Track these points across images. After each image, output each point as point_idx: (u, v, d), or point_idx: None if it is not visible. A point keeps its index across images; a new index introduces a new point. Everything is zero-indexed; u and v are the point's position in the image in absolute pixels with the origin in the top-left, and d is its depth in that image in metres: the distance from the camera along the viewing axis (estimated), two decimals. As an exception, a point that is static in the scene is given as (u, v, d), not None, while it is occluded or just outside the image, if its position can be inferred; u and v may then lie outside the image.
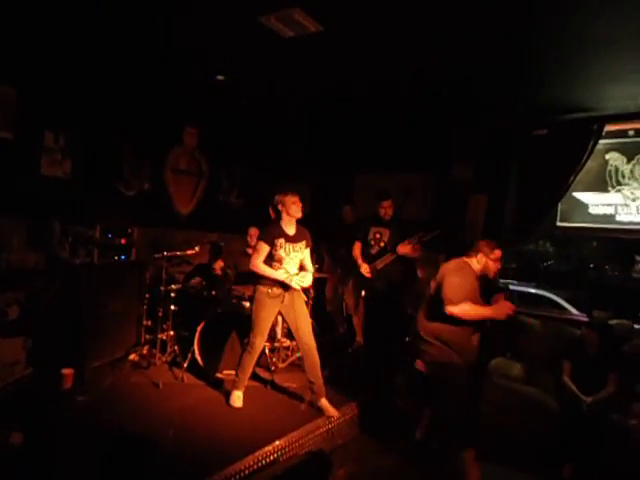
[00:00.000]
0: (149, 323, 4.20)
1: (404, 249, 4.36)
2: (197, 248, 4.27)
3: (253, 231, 4.53)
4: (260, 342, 3.46)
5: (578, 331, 4.00)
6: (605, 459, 3.19)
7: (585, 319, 4.42)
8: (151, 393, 3.59)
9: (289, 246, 3.40)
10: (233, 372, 3.63)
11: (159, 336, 4.07)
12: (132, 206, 4.89)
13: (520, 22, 2.87)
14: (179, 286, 4.23)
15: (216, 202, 5.93)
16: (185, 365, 3.87)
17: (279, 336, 4.38)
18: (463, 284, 2.83)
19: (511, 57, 3.39)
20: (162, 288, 4.05)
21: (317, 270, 5.07)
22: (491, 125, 4.70)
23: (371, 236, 4.60)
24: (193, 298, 4.34)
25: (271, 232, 3.41)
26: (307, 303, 4.68)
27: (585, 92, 3.90)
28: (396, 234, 4.47)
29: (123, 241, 4.24)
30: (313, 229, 3.63)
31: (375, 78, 3.96)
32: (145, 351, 4.13)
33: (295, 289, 3.44)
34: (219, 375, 3.86)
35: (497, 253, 2.98)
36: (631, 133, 4.56)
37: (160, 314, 4.04)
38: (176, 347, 4.04)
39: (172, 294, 4.08)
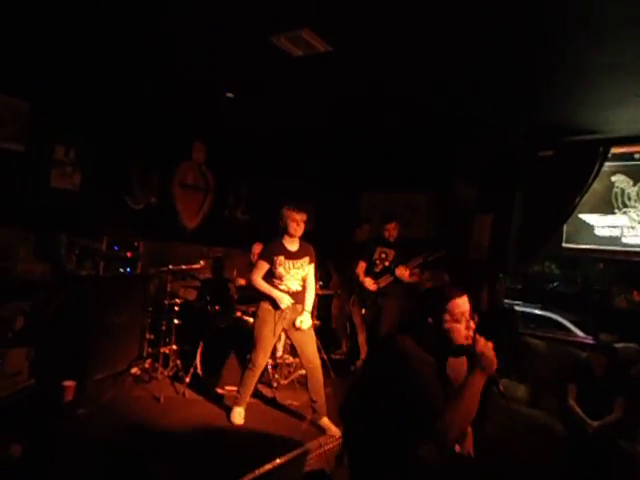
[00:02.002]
0: (152, 337, 4.19)
1: (401, 273, 4.39)
2: (202, 262, 4.29)
3: (256, 248, 4.54)
4: (262, 359, 3.44)
5: (584, 354, 3.96)
6: (611, 485, 3.12)
7: (591, 342, 4.38)
8: (152, 407, 3.58)
9: (289, 263, 3.40)
10: (235, 388, 3.61)
11: (162, 350, 4.06)
12: (139, 219, 4.93)
13: (525, 46, 2.91)
14: (183, 300, 4.24)
15: (222, 217, 5.96)
16: (187, 380, 3.86)
17: (281, 353, 4.36)
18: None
19: (516, 80, 3.43)
20: (166, 302, 4.05)
21: (322, 287, 5.08)
22: (496, 145, 4.73)
23: (377, 256, 4.66)
24: (197, 312, 4.34)
25: (271, 249, 3.44)
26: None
27: (591, 115, 3.93)
28: (400, 255, 4.53)
29: (129, 254, 4.26)
30: (319, 246, 3.64)
31: (382, 96, 4.01)
32: (147, 365, 4.11)
33: (299, 307, 3.44)
34: (220, 391, 3.84)
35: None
36: (637, 156, 4.58)
37: (163, 328, 4.04)
38: (178, 361, 4.03)
39: (176, 308, 4.08)
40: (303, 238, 3.51)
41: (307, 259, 3.48)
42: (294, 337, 3.50)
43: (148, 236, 4.65)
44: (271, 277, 3.42)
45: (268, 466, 2.82)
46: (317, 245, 3.64)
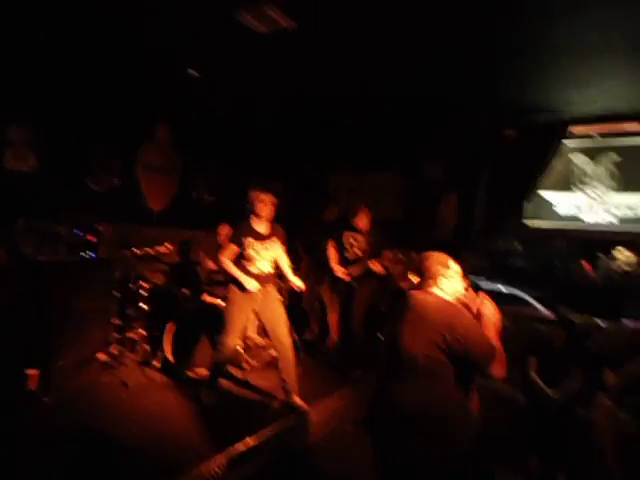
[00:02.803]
0: (119, 322, 4.10)
1: (375, 267, 4.38)
2: (168, 245, 4.20)
3: (222, 230, 4.48)
4: (232, 341, 3.43)
5: (544, 327, 4.12)
6: (569, 451, 3.29)
7: (551, 316, 4.55)
8: (120, 393, 3.52)
9: (259, 245, 3.38)
10: (205, 371, 3.59)
11: (129, 335, 3.98)
12: (101, 202, 4.78)
13: (488, 30, 2.96)
14: (150, 284, 4.15)
15: (189, 199, 5.84)
16: (156, 365, 3.82)
17: (252, 334, 4.35)
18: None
19: (481, 62, 3.49)
20: (132, 286, 3.96)
21: (292, 268, 5.07)
22: (462, 125, 4.79)
23: (346, 240, 4.61)
24: (164, 296, 4.27)
25: (240, 231, 3.41)
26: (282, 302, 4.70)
27: (551, 95, 4.03)
28: (371, 243, 4.50)
29: (92, 238, 4.13)
30: (289, 227, 3.62)
31: (348, 77, 3.98)
32: (114, 351, 4.02)
33: (269, 288, 3.43)
34: (191, 374, 3.81)
35: (454, 267, 2.15)
36: (594, 135, 4.73)
37: (130, 312, 3.96)
38: (147, 346, 3.97)
39: (143, 292, 4.00)
40: (273, 219, 3.49)
41: (277, 240, 3.47)
42: (265, 318, 3.50)
43: (112, 219, 4.52)
44: (241, 259, 3.39)
45: (240, 446, 2.85)
46: (286, 226, 3.62)
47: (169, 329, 3.88)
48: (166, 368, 3.85)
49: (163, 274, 4.67)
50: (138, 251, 3.99)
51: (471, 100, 4.30)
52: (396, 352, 1.95)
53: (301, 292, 5.48)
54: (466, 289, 2.15)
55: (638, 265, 11.51)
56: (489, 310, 2.05)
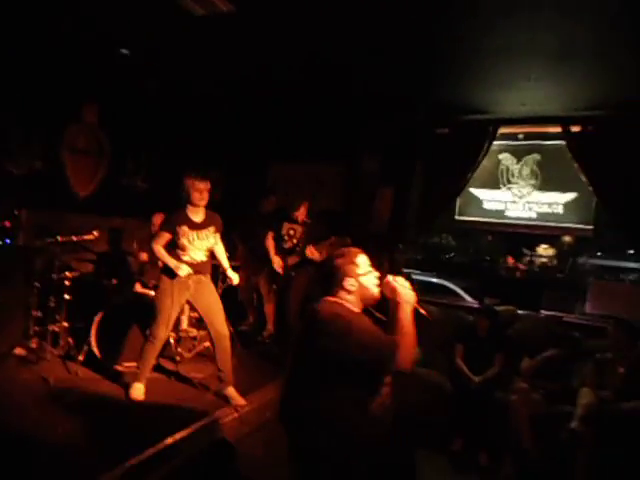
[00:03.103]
0: (39, 314, 3.84)
1: (312, 254, 4.42)
2: (96, 233, 3.98)
3: (156, 218, 4.32)
4: (163, 332, 3.32)
5: (470, 317, 4.35)
6: (489, 432, 3.52)
7: (476, 306, 4.82)
8: (41, 389, 3.30)
9: (193, 234, 3.30)
10: (134, 364, 3.46)
11: (50, 328, 3.75)
12: (21, 186, 4.43)
13: (421, 28, 3.05)
14: (75, 274, 3.92)
15: (120, 185, 5.56)
16: (80, 358, 3.63)
17: (185, 326, 4.25)
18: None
19: (416, 62, 3.60)
20: (55, 276, 3.72)
21: (228, 258, 4.98)
22: (397, 121, 4.91)
23: (284, 231, 4.63)
24: (91, 287, 4.06)
25: (173, 219, 3.30)
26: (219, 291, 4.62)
27: (481, 96, 4.22)
28: (308, 233, 4.54)
29: (7, 224, 3.83)
30: (225, 216, 3.55)
31: (286, 65, 3.95)
32: (34, 344, 3.77)
33: (203, 277, 3.36)
34: (119, 368, 3.66)
35: (363, 262, 2.04)
36: (521, 136, 5.04)
37: (52, 304, 3.72)
38: (70, 339, 3.75)
39: (66, 282, 3.77)
40: (208, 208, 3.40)
41: (212, 229, 3.39)
42: (201, 308, 3.42)
43: (33, 204, 4.21)
44: (174, 248, 3.29)
45: (169, 440, 2.79)
46: (223, 215, 3.55)
47: (96, 321, 3.70)
48: (92, 362, 3.66)
49: (91, 263, 4.44)
50: (62, 238, 3.74)
51: (407, 97, 4.42)
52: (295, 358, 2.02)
53: (238, 282, 5.49)
54: (380, 278, 2.03)
55: (555, 258, 12.43)
56: (402, 293, 1.89)
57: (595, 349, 3.58)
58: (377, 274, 2.05)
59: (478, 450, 3.48)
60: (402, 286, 1.90)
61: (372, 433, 1.91)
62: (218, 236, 3.47)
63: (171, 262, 3.23)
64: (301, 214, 4.57)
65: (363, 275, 2.00)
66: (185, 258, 3.29)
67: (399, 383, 3.84)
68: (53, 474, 2.39)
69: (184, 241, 3.27)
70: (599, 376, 3.29)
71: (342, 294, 1.99)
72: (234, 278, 3.53)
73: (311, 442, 1.93)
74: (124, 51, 3.88)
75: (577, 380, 3.46)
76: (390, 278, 1.94)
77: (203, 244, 3.34)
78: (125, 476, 2.44)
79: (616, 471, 2.93)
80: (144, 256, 4.26)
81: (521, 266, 10.54)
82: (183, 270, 3.20)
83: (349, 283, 1.98)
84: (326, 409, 1.89)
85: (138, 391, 3.29)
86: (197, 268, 3.31)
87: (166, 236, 3.27)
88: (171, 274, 3.25)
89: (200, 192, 3.26)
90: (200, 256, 3.34)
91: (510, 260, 10.69)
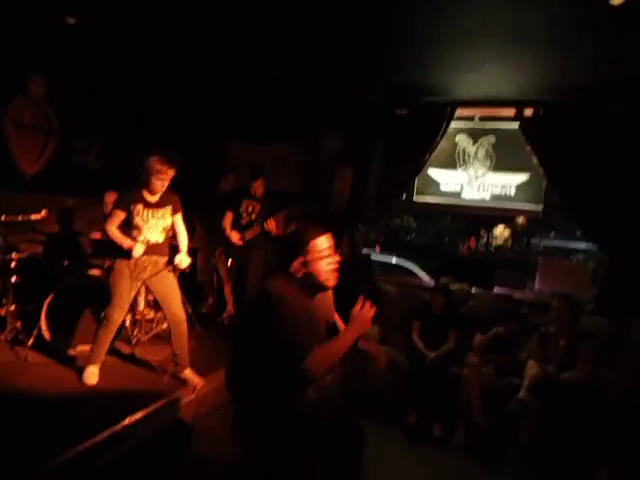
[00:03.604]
0: (-17, 297, 3.66)
1: (270, 226, 4.41)
2: (44, 212, 3.81)
3: (109, 197, 4.18)
4: (119, 315, 3.23)
5: (427, 295, 4.46)
6: (443, 405, 3.65)
7: (432, 284, 4.94)
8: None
9: (148, 212, 3.18)
10: (87, 347, 3.37)
11: (-5, 311, 3.59)
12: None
13: (380, 12, 3.04)
14: (22, 255, 3.75)
15: (71, 163, 5.32)
16: (29, 342, 3.49)
17: (141, 308, 4.16)
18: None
19: (373, 43, 3.59)
20: (0, 257, 3.55)
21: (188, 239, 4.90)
22: (357, 102, 4.90)
23: (243, 208, 4.59)
24: (40, 269, 3.90)
25: (127, 197, 3.17)
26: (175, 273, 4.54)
27: (438, 78, 4.26)
28: (266, 209, 4.52)
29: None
30: (183, 196, 3.45)
31: (239, 44, 3.86)
32: (-21, 329, 3.62)
33: (160, 259, 3.28)
34: (72, 352, 3.56)
35: (323, 244, 1.96)
36: (477, 118, 5.14)
37: (-2, 287, 3.56)
38: (18, 323, 3.60)
39: (13, 264, 3.61)
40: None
41: (169, 208, 3.27)
42: (157, 291, 3.35)
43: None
44: (129, 228, 3.17)
45: (124, 422, 2.75)
46: (181, 196, 3.45)
47: (46, 304, 3.57)
48: (42, 346, 3.54)
49: (40, 244, 4.25)
50: (6, 218, 3.56)
51: (366, 78, 4.41)
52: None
53: (196, 264, 5.41)
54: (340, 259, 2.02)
55: (511, 239, 12.87)
56: (361, 322, 1.88)
57: (542, 324, 3.75)
58: (335, 260, 1.96)
59: (432, 423, 3.60)
60: (364, 317, 1.86)
61: (311, 414, 1.92)
62: (178, 216, 3.35)
63: (125, 242, 3.12)
64: (257, 189, 4.53)
65: (318, 259, 1.93)
66: (140, 239, 3.19)
67: (357, 360, 3.95)
68: (2, 461, 2.32)
69: (138, 220, 3.15)
70: (544, 349, 3.46)
71: (294, 272, 1.95)
72: (182, 262, 3.31)
73: (251, 412, 1.97)
74: (71, 20, 3.67)
75: (524, 353, 3.62)
76: (366, 305, 1.86)
77: (159, 224, 3.23)
78: (79, 459, 2.40)
79: (559, 437, 3.12)
80: (97, 235, 4.12)
81: (479, 247, 10.91)
82: (137, 250, 3.11)
83: (301, 262, 1.93)
84: (263, 384, 1.90)
85: (91, 375, 3.21)
86: (153, 249, 3.23)
87: (120, 215, 3.15)
88: (126, 255, 3.15)
89: (162, 180, 3.12)
90: (156, 237, 3.24)
91: (472, 242, 11.04)
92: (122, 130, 5.61)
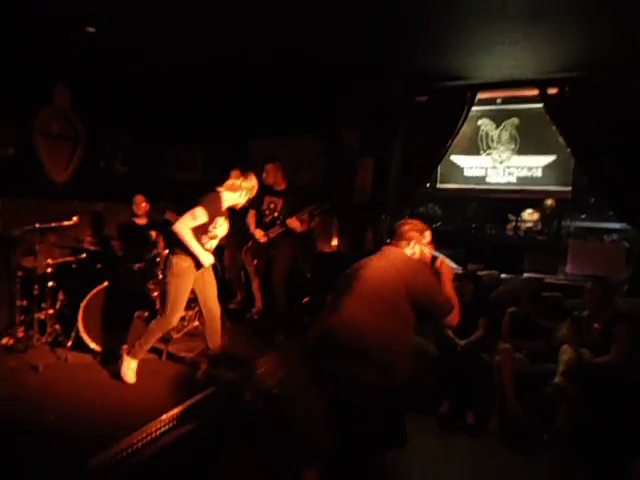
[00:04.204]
0: (23, 303, 3.81)
1: (292, 224, 4.38)
2: (75, 218, 3.93)
3: (139, 199, 4.27)
4: (177, 319, 3.30)
5: (455, 283, 4.40)
6: (475, 393, 3.61)
7: (460, 271, 4.88)
8: (31, 377, 3.31)
9: (225, 223, 3.28)
10: (125, 347, 3.46)
11: (36, 316, 3.73)
12: (-5, 175, 4.34)
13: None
14: (57, 261, 3.89)
15: (98, 169, 5.47)
16: (69, 344, 3.62)
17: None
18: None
19: (390, 27, 3.53)
20: (36, 264, 3.69)
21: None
22: (376, 91, 4.85)
23: (265, 205, 4.58)
24: (74, 273, 4.04)
25: (216, 207, 3.18)
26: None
27: (459, 61, 4.18)
28: (289, 204, 4.48)
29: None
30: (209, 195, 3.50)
31: (260, 41, 3.88)
32: (21, 333, 3.77)
33: None
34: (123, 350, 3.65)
35: (428, 236, 2.50)
36: (499, 101, 5.03)
37: (36, 292, 3.70)
38: (57, 326, 3.74)
39: (49, 269, 3.74)
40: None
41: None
42: (198, 288, 3.38)
43: (8, 193, 4.13)
44: (201, 234, 3.15)
45: (162, 418, 2.83)
46: (206, 194, 3.49)
47: (82, 306, 3.69)
48: (80, 347, 3.67)
49: (73, 249, 4.39)
50: (40, 226, 3.69)
51: (383, 67, 4.36)
52: (360, 289, 2.19)
53: (224, 261, 5.49)
54: (431, 254, 2.49)
55: (540, 222, 12.56)
56: (446, 268, 2.46)
57: (574, 307, 3.67)
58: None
59: (465, 411, 3.57)
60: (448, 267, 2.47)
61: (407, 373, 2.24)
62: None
63: (198, 250, 3.11)
64: (269, 173, 4.48)
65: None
66: (207, 246, 3.23)
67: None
68: (46, 460, 2.40)
69: (217, 232, 3.22)
70: (578, 333, 3.38)
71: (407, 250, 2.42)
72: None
73: (363, 368, 2.11)
74: (90, 29, 3.76)
75: (557, 338, 3.55)
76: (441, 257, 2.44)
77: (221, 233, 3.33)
78: (118, 456, 2.48)
79: (596, 422, 3.05)
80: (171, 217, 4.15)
81: (507, 232, 10.68)
82: (209, 259, 3.16)
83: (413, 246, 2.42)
84: (390, 340, 2.13)
85: (131, 370, 3.26)
86: (211, 254, 3.30)
87: (203, 221, 3.11)
88: (191, 260, 3.15)
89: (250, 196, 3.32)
90: (215, 244, 3.34)
91: (508, 227, 10.83)
92: (146, 134, 5.73)
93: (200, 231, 3.13)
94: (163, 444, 2.69)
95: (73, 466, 2.34)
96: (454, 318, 2.33)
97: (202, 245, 3.15)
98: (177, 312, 3.23)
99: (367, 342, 2.07)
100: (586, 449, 3.02)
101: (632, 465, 2.35)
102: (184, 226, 3.06)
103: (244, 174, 3.30)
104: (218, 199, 3.20)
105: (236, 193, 3.26)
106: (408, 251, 2.39)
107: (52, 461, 2.39)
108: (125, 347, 3.39)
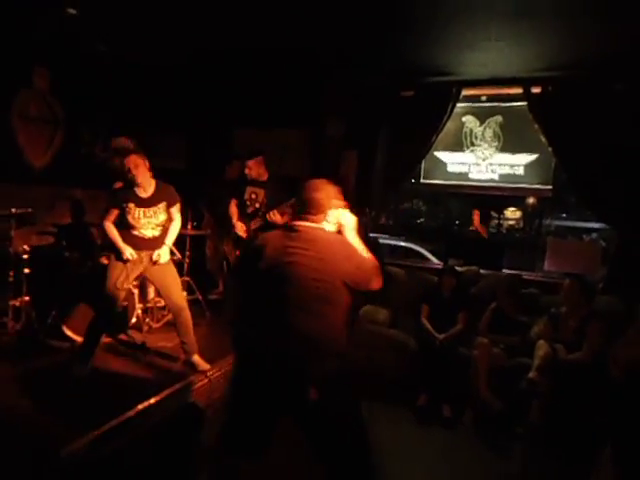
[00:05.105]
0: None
1: (273, 217, 4.33)
2: (55, 205, 3.85)
3: (118, 186, 4.20)
4: (109, 303, 3.23)
5: (435, 278, 4.46)
6: (452, 386, 3.67)
7: (440, 267, 4.92)
8: (4, 364, 3.25)
9: (140, 211, 3.16)
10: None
11: (11, 303, 3.66)
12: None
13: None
14: (33, 247, 3.80)
15: (78, 155, 5.35)
16: (43, 332, 3.57)
17: (152, 296, 4.22)
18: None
19: (376, 22, 3.53)
20: (11, 250, 3.61)
21: (195, 227, 4.94)
22: (361, 85, 4.84)
23: (247, 196, 4.53)
24: (52, 260, 3.96)
25: (119, 195, 3.19)
26: (181, 262, 4.57)
27: (445, 57, 4.19)
28: (271, 195, 4.43)
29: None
30: (191, 183, 3.46)
31: (243, 29, 3.83)
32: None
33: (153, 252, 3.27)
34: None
35: (341, 198, 2.17)
36: (483, 98, 5.06)
37: (11, 279, 3.62)
38: (32, 313, 3.68)
39: (25, 256, 3.67)
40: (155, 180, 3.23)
41: (163, 205, 3.22)
42: (156, 281, 3.36)
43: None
44: (124, 223, 3.18)
45: (139, 406, 2.81)
46: (189, 183, 3.45)
47: (59, 293, 3.64)
48: (56, 335, 3.61)
49: (51, 236, 4.31)
50: (16, 211, 3.61)
51: (369, 60, 4.35)
52: (286, 280, 1.93)
53: (207, 252, 5.46)
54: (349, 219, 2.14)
55: (522, 221, 12.74)
56: (349, 219, 2.10)
57: (551, 304, 3.74)
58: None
59: (441, 403, 3.63)
60: (343, 214, 2.11)
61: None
62: (174, 209, 3.29)
63: (118, 243, 3.16)
64: (251, 169, 4.43)
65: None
66: (136, 233, 3.19)
67: (367, 343, 3.97)
68: (19, 451, 2.37)
69: (129, 219, 3.15)
70: (554, 329, 3.45)
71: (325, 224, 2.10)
72: (160, 257, 3.26)
73: (307, 359, 1.92)
74: (72, 11, 3.67)
75: (534, 334, 3.62)
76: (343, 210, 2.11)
77: (151, 221, 3.21)
78: (95, 442, 2.46)
79: (568, 416, 3.13)
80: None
81: (485, 229, 10.80)
82: (126, 253, 3.14)
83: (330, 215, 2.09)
84: (328, 328, 1.96)
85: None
86: (149, 244, 3.23)
87: (114, 212, 3.17)
88: (117, 252, 3.19)
89: (137, 168, 3.06)
90: (151, 232, 3.23)
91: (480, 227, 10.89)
92: (126, 120, 5.62)
93: (123, 221, 3.18)
94: (139, 433, 2.68)
95: (47, 456, 2.32)
96: (377, 281, 2.03)
97: (129, 233, 3.18)
98: (106, 297, 3.19)
99: (320, 345, 1.89)
100: (557, 442, 3.09)
101: (598, 456, 2.42)
102: (104, 223, 3.20)
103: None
104: (122, 187, 3.25)
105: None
106: (327, 225, 2.08)
107: (25, 452, 2.36)
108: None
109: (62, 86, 4.98)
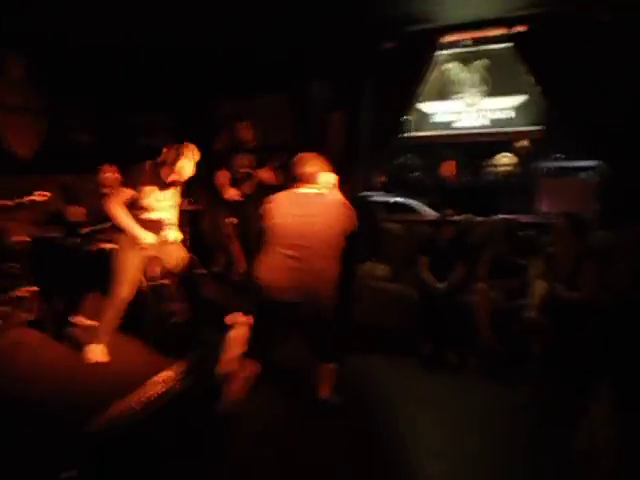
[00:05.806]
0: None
1: (264, 174, 4.32)
2: (45, 193, 3.82)
3: (108, 169, 4.17)
4: (125, 292, 3.13)
5: (432, 229, 4.48)
6: (454, 333, 3.76)
7: (438, 218, 4.93)
8: (15, 354, 3.30)
9: (161, 194, 3.12)
10: (90, 322, 3.48)
11: (14, 294, 3.69)
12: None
13: None
14: (28, 237, 3.81)
15: (63, 141, 5.28)
16: (49, 320, 3.62)
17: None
18: None
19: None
20: (6, 241, 3.62)
21: (191, 203, 4.92)
22: (343, 42, 4.70)
23: (237, 162, 4.52)
24: (49, 248, 3.97)
25: (138, 176, 3.06)
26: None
27: (425, 3, 4.06)
28: (259, 160, 4.42)
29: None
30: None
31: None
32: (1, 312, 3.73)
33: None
34: (75, 321, 3.65)
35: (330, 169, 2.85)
36: (468, 42, 4.93)
37: (11, 270, 3.65)
38: (37, 302, 3.72)
39: (23, 246, 3.68)
40: None
41: (179, 186, 3.25)
42: (167, 262, 3.37)
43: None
44: (136, 207, 3.08)
45: (158, 377, 2.90)
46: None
47: (61, 282, 3.66)
48: (62, 322, 3.67)
49: (45, 224, 4.30)
50: (6, 202, 3.59)
51: (347, 14, 4.22)
52: (296, 237, 2.60)
53: (203, 226, 5.45)
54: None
55: (516, 165, 12.66)
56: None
57: (549, 244, 3.77)
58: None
59: (446, 351, 3.73)
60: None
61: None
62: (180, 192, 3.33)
63: (134, 230, 3.02)
64: (244, 134, 4.39)
65: None
66: (150, 216, 3.13)
67: (371, 300, 4.04)
68: (44, 430, 2.45)
69: (150, 201, 3.09)
70: (550, 268, 3.49)
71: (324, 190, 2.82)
72: (177, 238, 3.31)
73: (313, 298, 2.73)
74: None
75: (531, 275, 3.66)
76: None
77: (170, 203, 3.21)
78: (114, 420, 2.54)
79: (570, 353, 3.21)
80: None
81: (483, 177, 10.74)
82: (148, 239, 3.04)
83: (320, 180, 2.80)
84: (328, 275, 2.77)
85: (96, 353, 3.18)
86: (161, 226, 3.20)
87: (127, 193, 3.04)
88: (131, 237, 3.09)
89: (181, 168, 3.08)
90: (165, 215, 3.21)
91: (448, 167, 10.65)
92: (109, 102, 5.52)
93: (133, 206, 3.06)
94: (159, 405, 2.76)
95: (71, 433, 2.40)
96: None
97: (141, 218, 3.08)
98: (122, 285, 3.10)
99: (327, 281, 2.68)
100: (558, 375, 3.19)
101: (596, 388, 2.51)
102: (112, 203, 3.02)
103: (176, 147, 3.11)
104: (142, 169, 3.09)
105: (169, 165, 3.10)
106: (325, 190, 2.73)
107: (50, 431, 2.44)
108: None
109: (42, 72, 4.85)
